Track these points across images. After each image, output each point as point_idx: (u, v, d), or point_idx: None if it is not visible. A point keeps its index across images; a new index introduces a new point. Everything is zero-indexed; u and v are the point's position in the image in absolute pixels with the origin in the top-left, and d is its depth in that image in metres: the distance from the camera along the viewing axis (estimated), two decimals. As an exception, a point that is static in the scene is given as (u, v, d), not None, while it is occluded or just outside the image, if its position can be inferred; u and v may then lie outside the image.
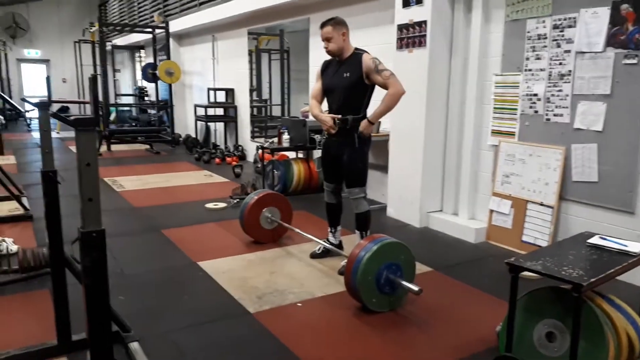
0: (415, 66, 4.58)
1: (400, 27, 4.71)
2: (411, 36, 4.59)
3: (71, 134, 11.99)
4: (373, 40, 5.37)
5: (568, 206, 3.84)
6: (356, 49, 3.51)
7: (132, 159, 8.96)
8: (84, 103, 14.13)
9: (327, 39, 3.45)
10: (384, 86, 3.39)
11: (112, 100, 11.43)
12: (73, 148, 9.83)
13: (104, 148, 9.53)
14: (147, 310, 3.01)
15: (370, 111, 3.52)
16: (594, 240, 2.35)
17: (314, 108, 3.64)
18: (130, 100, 13.87)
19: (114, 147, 9.75)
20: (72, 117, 1.33)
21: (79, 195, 1.40)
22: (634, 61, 3.31)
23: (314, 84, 3.73)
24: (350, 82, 3.44)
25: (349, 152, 3.53)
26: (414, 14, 4.55)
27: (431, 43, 4.45)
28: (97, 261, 1.40)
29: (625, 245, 2.26)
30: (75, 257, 1.46)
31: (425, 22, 4.43)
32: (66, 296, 2.55)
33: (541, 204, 3.97)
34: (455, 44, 4.52)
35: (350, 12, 5.79)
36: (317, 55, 6.47)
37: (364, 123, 3.45)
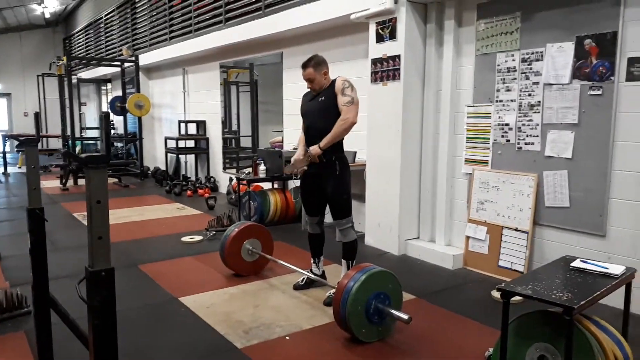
0: (390, 98, 4.72)
1: (375, 61, 4.85)
2: (385, 70, 4.74)
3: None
4: (347, 74, 5.45)
5: (542, 231, 3.98)
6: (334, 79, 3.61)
7: (101, 193, 8.75)
8: (48, 137, 13.83)
9: (309, 80, 3.55)
10: (341, 110, 3.46)
11: (77, 134, 11.23)
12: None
13: (70, 182, 9.31)
14: (131, 349, 2.92)
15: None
16: (577, 263, 2.45)
17: (299, 143, 3.75)
18: (95, 133, 13.67)
19: (81, 182, 9.52)
20: (83, 155, 1.33)
21: (88, 233, 1.39)
22: (599, 92, 3.52)
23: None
24: (324, 105, 3.52)
25: (332, 184, 3.57)
26: (387, 48, 4.70)
27: (405, 76, 4.60)
28: (107, 301, 1.37)
29: (607, 268, 2.35)
30: (83, 296, 1.43)
31: (399, 56, 4.59)
32: (50, 338, 2.47)
33: (516, 230, 4.09)
34: (427, 76, 4.69)
35: (323, 47, 5.93)
36: (291, 89, 6.60)
37: (313, 148, 3.50)
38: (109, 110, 10.96)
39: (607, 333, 2.21)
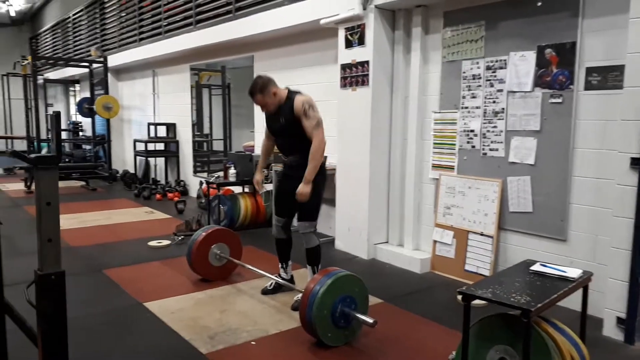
0: (359, 104, 4.75)
1: (344, 67, 4.89)
2: (354, 75, 4.78)
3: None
4: (316, 79, 5.53)
5: (506, 235, 4.06)
6: (289, 91, 3.55)
7: (67, 196, 8.55)
8: (13, 138, 13.47)
9: (261, 105, 3.52)
10: (310, 135, 3.44)
11: (43, 136, 10.97)
12: None
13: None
14: (93, 356, 2.87)
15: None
16: (536, 267, 2.51)
17: (261, 157, 3.91)
18: (63, 135, 13.37)
19: (46, 185, 9.29)
20: (32, 155, 1.30)
21: (37, 235, 1.35)
22: (559, 100, 3.62)
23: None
24: (285, 127, 3.51)
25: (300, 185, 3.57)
26: (356, 54, 4.74)
27: (374, 82, 4.64)
28: (57, 305, 1.34)
29: (565, 271, 2.42)
30: (31, 301, 1.39)
31: (367, 62, 4.63)
32: (5, 345, 2.40)
33: (481, 234, 4.16)
34: (396, 83, 4.74)
35: (293, 51, 5.96)
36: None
37: (301, 187, 3.44)
38: (77, 112, 10.76)
39: (564, 335, 2.27)
